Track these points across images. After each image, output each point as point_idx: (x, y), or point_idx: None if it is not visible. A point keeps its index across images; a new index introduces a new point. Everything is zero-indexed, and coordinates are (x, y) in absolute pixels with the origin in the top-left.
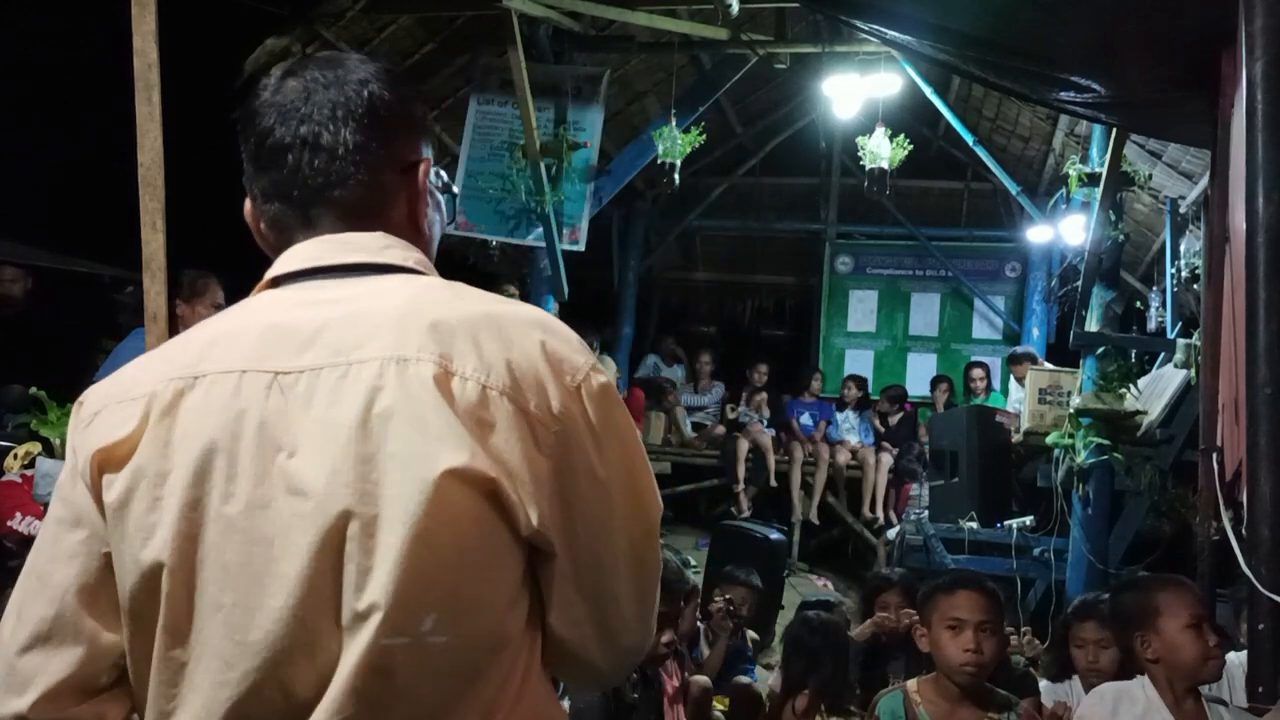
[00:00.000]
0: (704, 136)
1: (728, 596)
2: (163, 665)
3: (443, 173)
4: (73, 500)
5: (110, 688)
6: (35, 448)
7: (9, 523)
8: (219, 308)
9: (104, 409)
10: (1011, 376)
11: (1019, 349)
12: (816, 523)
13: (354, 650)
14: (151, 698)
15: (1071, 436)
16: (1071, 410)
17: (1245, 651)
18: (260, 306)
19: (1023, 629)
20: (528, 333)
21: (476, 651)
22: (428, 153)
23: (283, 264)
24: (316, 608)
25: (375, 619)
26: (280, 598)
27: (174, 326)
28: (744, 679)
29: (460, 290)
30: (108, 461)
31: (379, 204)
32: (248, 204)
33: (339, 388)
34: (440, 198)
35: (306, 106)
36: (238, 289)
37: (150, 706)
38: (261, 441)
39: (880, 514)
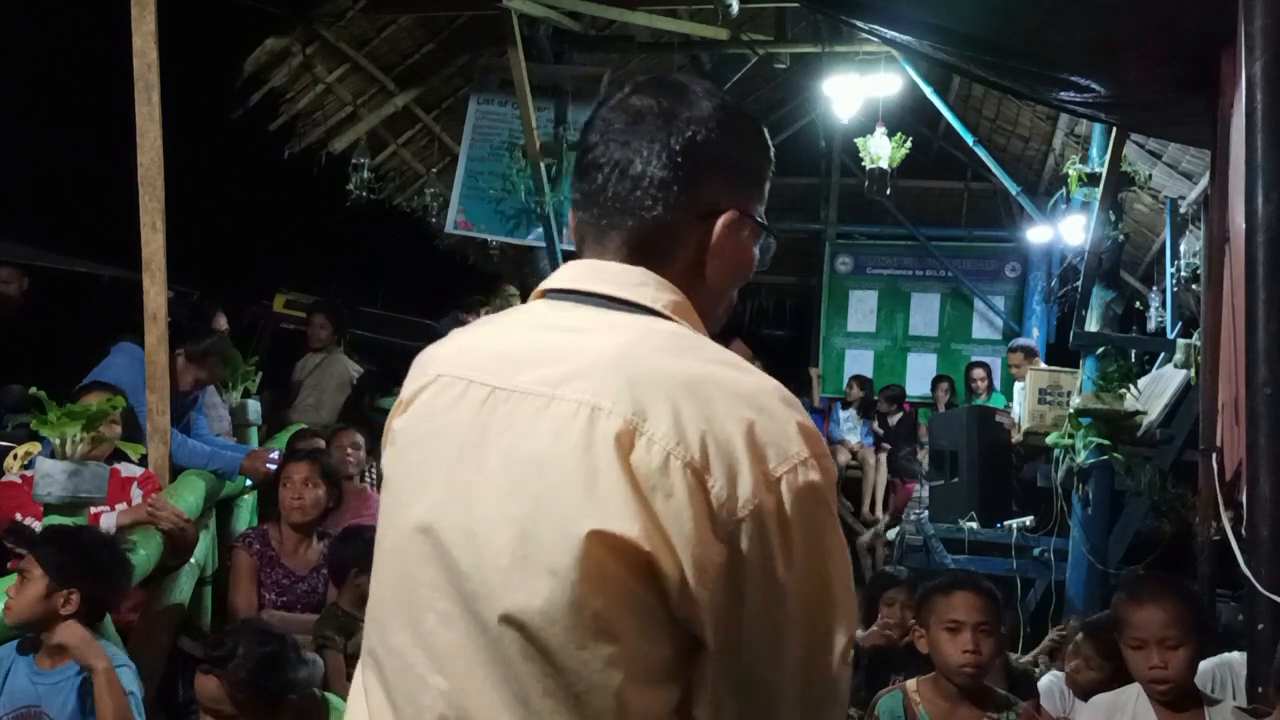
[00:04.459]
0: None
1: None
2: (369, 627)
3: (764, 226)
4: None
5: None
6: (35, 448)
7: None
8: (215, 378)
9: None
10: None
11: (1017, 341)
12: None
13: (495, 667)
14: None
15: (1071, 436)
16: (1071, 410)
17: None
18: (519, 316)
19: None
20: (736, 409)
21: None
22: (753, 205)
23: (552, 278)
24: (467, 619)
25: (515, 649)
26: (445, 603)
27: (172, 368)
28: None
29: (687, 345)
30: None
31: (666, 243)
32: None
33: (536, 419)
34: (754, 249)
35: (630, 132)
36: (236, 288)
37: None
38: (461, 452)
39: (879, 514)
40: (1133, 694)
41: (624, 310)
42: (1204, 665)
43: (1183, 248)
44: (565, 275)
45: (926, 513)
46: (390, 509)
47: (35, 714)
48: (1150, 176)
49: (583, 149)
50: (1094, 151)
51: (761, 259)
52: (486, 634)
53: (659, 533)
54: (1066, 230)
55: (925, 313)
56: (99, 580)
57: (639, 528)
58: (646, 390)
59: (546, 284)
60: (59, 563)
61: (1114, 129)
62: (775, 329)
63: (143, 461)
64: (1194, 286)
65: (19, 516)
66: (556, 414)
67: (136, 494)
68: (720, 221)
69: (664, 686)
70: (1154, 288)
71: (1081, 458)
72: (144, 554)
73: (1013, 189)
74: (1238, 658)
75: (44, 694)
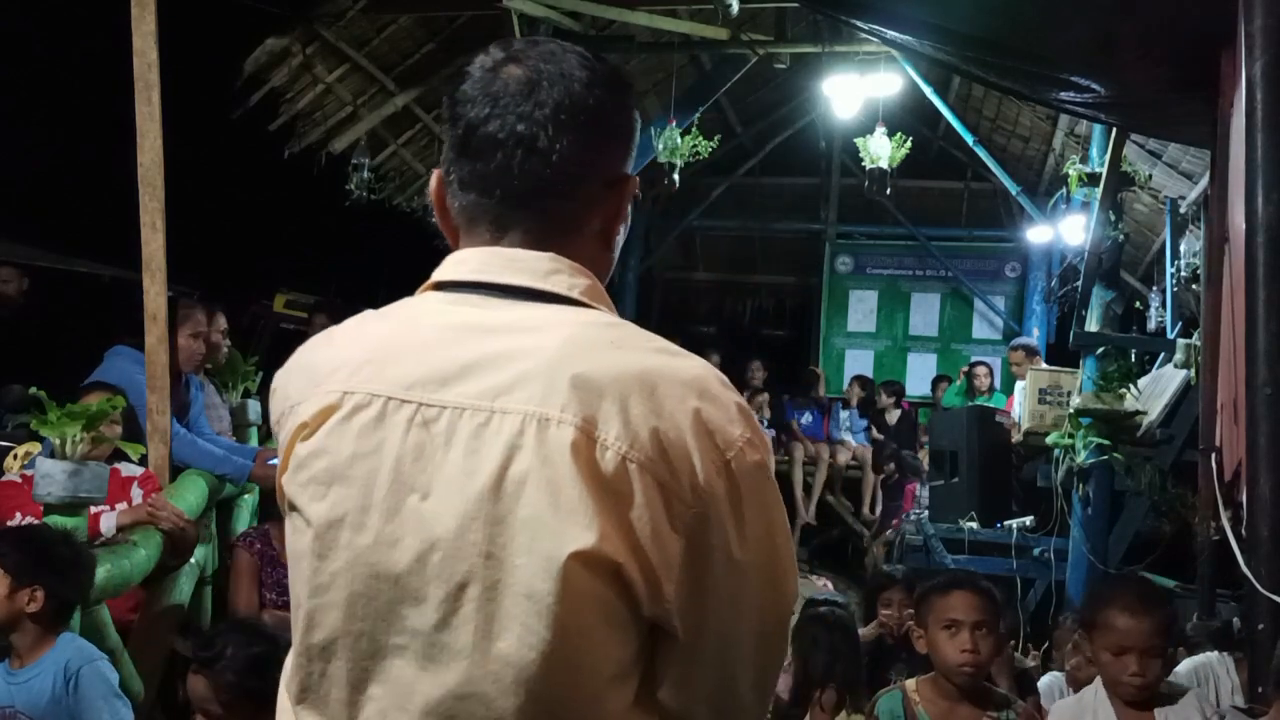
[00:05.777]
0: (712, 145)
1: None
2: (300, 661)
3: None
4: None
5: None
6: (35, 448)
7: (9, 523)
8: (196, 336)
9: (291, 403)
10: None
11: (1019, 339)
12: (814, 523)
13: (467, 703)
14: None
15: (1071, 436)
16: (1071, 410)
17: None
18: (420, 316)
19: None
20: (682, 398)
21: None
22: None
23: (450, 269)
24: (429, 655)
25: (487, 683)
26: (402, 638)
27: (173, 356)
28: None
29: (621, 336)
30: (290, 454)
31: (579, 217)
32: (435, 181)
33: (479, 435)
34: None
35: (527, 104)
36: (236, 288)
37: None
38: (397, 477)
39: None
40: (1092, 693)
41: (542, 303)
42: (1186, 665)
43: (1183, 248)
44: (467, 266)
45: (926, 513)
46: (316, 544)
47: (11, 715)
48: (1150, 176)
49: (466, 127)
50: (1094, 151)
51: (633, 215)
52: (450, 670)
53: (625, 540)
54: (1066, 230)
55: (925, 313)
56: (59, 576)
57: (607, 540)
58: (591, 392)
59: (442, 275)
60: (18, 561)
61: (1114, 129)
62: (775, 329)
63: (143, 461)
64: (1194, 286)
65: (19, 516)
66: (502, 429)
67: (137, 494)
68: (624, 188)
69: (630, 680)
70: (1154, 288)
71: (1081, 458)
72: (144, 554)
73: (1013, 189)
74: (1216, 657)
75: (17, 694)
